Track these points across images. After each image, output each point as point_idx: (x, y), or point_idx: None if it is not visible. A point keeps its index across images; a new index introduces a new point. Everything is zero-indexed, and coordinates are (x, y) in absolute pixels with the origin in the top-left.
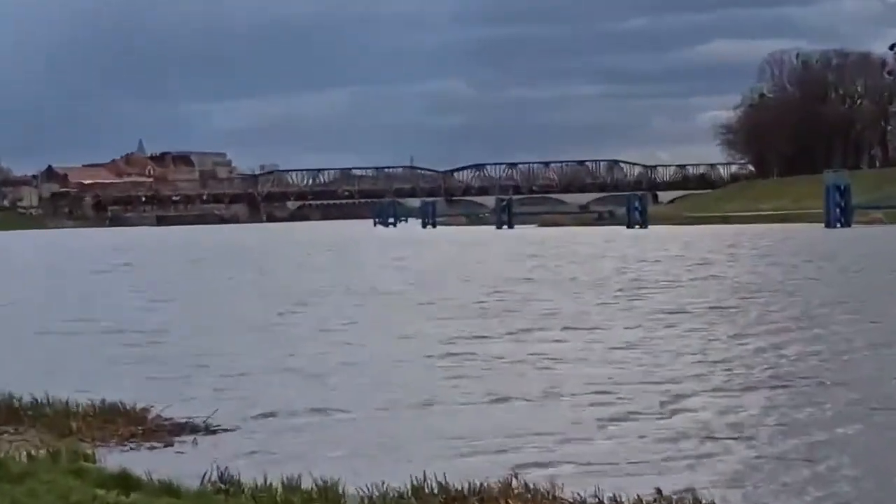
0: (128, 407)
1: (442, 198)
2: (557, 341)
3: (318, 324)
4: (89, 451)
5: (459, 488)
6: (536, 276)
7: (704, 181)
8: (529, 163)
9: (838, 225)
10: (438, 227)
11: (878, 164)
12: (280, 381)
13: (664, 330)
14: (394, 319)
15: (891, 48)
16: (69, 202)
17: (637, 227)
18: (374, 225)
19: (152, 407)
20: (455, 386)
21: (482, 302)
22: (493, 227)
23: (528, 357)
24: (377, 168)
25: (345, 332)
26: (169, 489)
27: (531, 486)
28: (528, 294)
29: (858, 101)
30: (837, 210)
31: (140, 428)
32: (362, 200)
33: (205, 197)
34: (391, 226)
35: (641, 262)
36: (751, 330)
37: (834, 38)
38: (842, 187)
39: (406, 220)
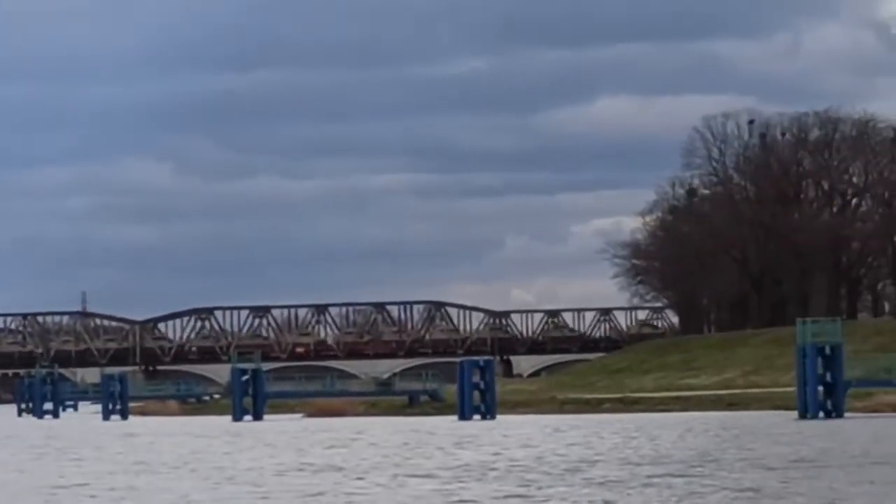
0: None
1: (137, 367)
2: None
3: None
4: None
5: None
6: None
7: (591, 340)
8: (290, 306)
9: (821, 415)
10: (131, 418)
11: (886, 307)
12: None
13: None
14: None
15: None
16: None
17: (478, 416)
18: (19, 414)
19: None
20: None
21: None
22: (230, 419)
23: None
24: (23, 315)
25: None
26: None
27: None
28: None
29: (853, 200)
30: (819, 389)
31: None
32: None
33: None
34: (48, 416)
35: None
36: None
37: (804, 92)
38: (827, 350)
39: (75, 407)
